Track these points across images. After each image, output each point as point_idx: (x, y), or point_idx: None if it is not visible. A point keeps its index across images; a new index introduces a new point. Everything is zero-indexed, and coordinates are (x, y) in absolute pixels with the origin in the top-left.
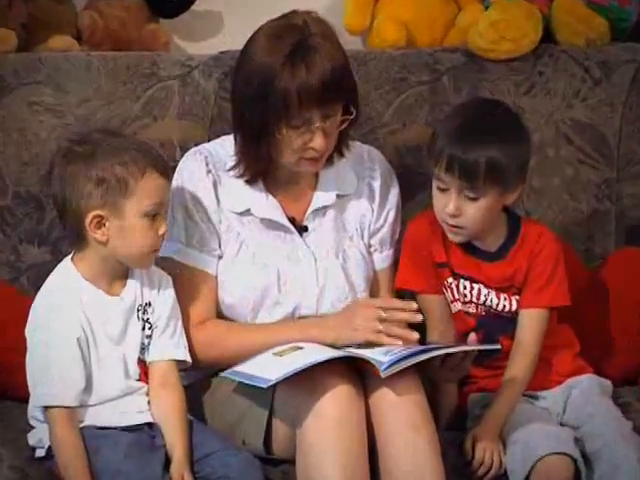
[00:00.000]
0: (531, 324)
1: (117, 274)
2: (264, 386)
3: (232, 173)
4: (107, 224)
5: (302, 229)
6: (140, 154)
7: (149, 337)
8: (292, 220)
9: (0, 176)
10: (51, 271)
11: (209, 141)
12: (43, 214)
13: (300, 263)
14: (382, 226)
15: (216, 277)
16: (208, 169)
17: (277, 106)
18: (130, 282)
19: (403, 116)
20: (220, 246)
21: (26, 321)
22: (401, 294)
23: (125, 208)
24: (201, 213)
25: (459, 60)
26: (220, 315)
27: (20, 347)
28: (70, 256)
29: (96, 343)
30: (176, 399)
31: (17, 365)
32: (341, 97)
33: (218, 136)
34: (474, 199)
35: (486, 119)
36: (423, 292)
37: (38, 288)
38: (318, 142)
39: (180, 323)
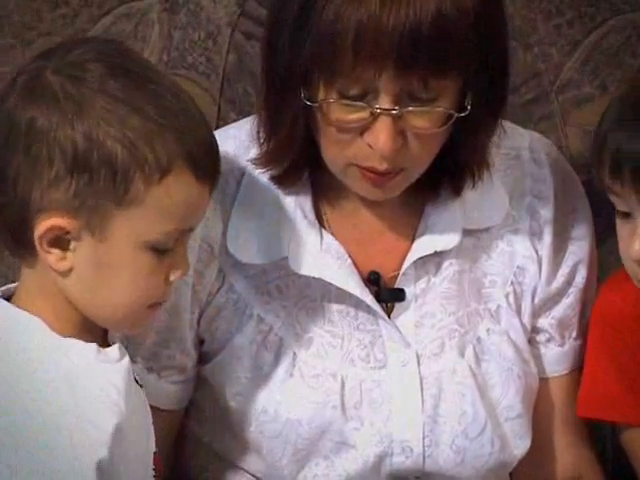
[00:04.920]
0: None
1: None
2: None
3: (257, 180)
4: (74, 245)
5: (392, 296)
6: (169, 122)
7: None
8: (373, 279)
9: None
10: None
11: (219, 121)
12: None
13: (387, 367)
14: (562, 292)
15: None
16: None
17: (317, 45)
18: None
19: (601, 70)
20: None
21: None
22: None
23: (113, 225)
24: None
25: None
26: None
27: None
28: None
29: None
30: None
31: None
32: (448, 67)
33: (237, 109)
34: None
35: None
36: (632, 423)
37: None
38: (381, 139)
39: None
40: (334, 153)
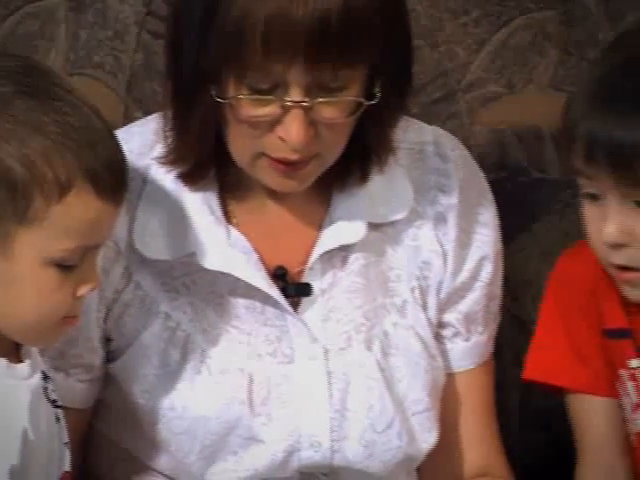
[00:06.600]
0: None
1: None
2: None
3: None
4: None
5: (299, 291)
6: (70, 140)
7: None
8: (280, 274)
9: None
10: None
11: (125, 120)
12: None
13: (295, 362)
14: (468, 287)
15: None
16: None
17: (226, 42)
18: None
19: (508, 69)
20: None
21: None
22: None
23: (16, 243)
24: None
25: None
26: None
27: None
28: None
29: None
30: None
31: None
32: (357, 57)
33: (144, 108)
34: None
35: None
36: (579, 389)
37: None
38: (293, 132)
39: None
40: (243, 146)
